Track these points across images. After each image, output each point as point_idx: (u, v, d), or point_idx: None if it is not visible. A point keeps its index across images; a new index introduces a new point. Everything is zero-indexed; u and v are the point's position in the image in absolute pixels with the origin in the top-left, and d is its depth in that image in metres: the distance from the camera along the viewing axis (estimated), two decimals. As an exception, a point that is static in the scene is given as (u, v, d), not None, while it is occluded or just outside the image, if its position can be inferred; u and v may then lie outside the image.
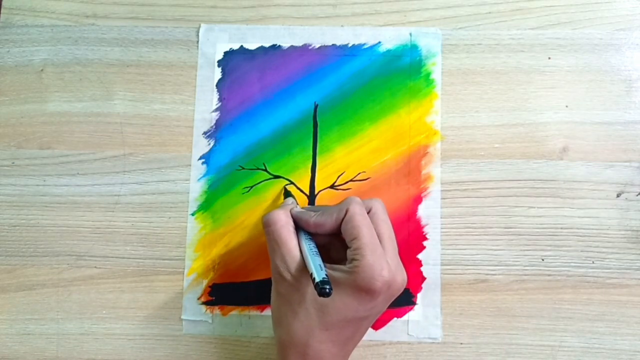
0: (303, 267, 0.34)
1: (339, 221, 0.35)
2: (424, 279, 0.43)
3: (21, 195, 0.45)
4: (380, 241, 0.35)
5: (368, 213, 0.36)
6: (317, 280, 0.31)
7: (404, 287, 0.35)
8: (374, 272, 0.32)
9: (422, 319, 0.42)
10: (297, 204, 0.41)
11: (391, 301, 0.35)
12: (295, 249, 0.35)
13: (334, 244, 0.37)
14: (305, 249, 0.35)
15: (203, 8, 0.47)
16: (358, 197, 0.36)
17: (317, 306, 0.34)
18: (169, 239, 0.44)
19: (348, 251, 0.34)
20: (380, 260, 0.33)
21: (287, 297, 0.35)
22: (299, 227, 0.37)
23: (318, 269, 0.32)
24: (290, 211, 0.37)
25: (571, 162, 0.44)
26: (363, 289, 0.33)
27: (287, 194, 0.43)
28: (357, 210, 0.35)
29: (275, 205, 0.44)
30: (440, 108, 0.45)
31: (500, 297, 0.42)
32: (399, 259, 0.36)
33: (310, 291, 0.34)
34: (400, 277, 0.34)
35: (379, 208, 0.37)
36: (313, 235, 0.36)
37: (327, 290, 0.31)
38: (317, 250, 0.35)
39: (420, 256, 0.43)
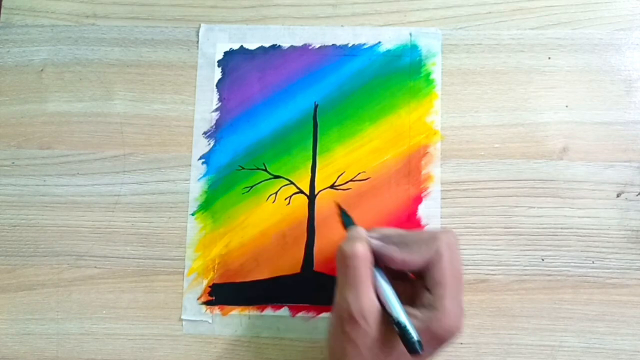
0: (378, 311, 0.32)
1: (425, 261, 0.33)
2: (424, 279, 0.43)
3: (21, 195, 0.45)
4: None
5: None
6: (412, 340, 0.31)
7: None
8: (452, 323, 0.32)
9: (422, 319, 0.42)
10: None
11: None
12: (372, 290, 0.33)
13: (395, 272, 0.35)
14: (387, 294, 0.33)
15: (203, 8, 0.47)
16: (452, 232, 0.34)
17: (386, 350, 0.32)
18: (169, 239, 0.44)
19: (427, 295, 0.33)
20: (458, 309, 0.32)
21: (354, 338, 0.33)
22: (375, 260, 0.34)
23: (412, 326, 0.31)
24: (371, 243, 0.35)
25: (571, 162, 0.44)
26: (438, 338, 0.32)
27: (347, 220, 0.39)
28: (447, 256, 0.33)
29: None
30: (440, 108, 0.45)
31: (500, 297, 0.42)
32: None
33: (384, 340, 0.32)
34: (463, 317, 0.33)
35: (455, 245, 0.34)
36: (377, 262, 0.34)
37: (420, 351, 0.30)
38: (397, 295, 0.33)
39: (420, 256, 0.43)
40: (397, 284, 0.34)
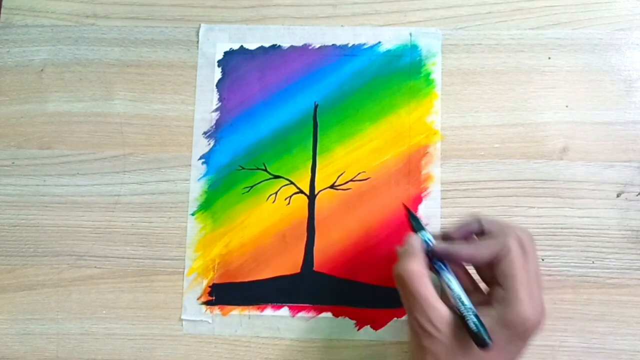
0: (449, 320, 0.33)
1: (493, 255, 0.33)
2: (424, 279, 0.43)
3: (21, 195, 0.45)
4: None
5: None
6: (481, 336, 0.31)
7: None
8: (531, 317, 0.31)
9: (422, 319, 0.42)
10: (429, 235, 0.37)
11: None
12: (438, 302, 0.33)
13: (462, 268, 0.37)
14: (451, 293, 0.33)
15: (203, 8, 0.47)
16: (525, 230, 0.35)
17: (467, 353, 0.32)
18: (169, 239, 0.44)
19: (499, 290, 0.33)
20: (536, 303, 0.32)
21: (432, 349, 0.33)
22: (440, 259, 0.35)
23: (477, 318, 0.31)
24: (434, 248, 0.35)
25: (571, 162, 0.44)
26: (516, 331, 0.32)
27: (416, 224, 0.38)
28: (516, 249, 0.33)
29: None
30: (440, 108, 0.45)
31: (500, 297, 0.42)
32: (541, 292, 0.34)
33: (460, 344, 0.32)
34: (545, 313, 0.33)
35: (528, 242, 0.34)
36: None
37: (490, 344, 0.30)
38: (465, 294, 0.33)
39: (420, 256, 0.43)
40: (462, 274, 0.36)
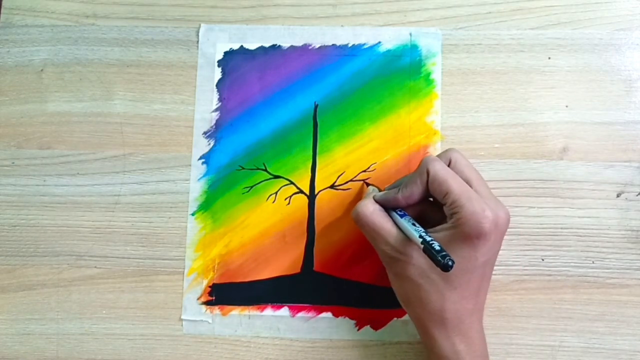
0: (409, 241, 0.35)
1: (424, 185, 0.36)
2: (424, 279, 0.43)
3: (21, 195, 0.45)
4: (470, 186, 0.35)
5: (449, 165, 0.36)
6: (436, 259, 0.31)
7: (509, 219, 0.35)
8: (477, 216, 0.33)
9: (422, 319, 0.42)
10: (378, 189, 0.42)
11: (503, 237, 0.35)
12: (394, 228, 0.36)
13: (426, 210, 0.38)
14: (405, 226, 0.35)
15: (203, 8, 0.47)
16: (432, 155, 0.37)
17: (438, 270, 0.34)
18: (169, 239, 0.44)
19: (445, 208, 0.35)
20: (479, 203, 0.33)
21: (405, 274, 0.36)
22: (389, 208, 0.37)
23: (433, 249, 0.32)
24: (374, 197, 0.38)
25: (571, 162, 0.44)
26: (474, 236, 0.33)
27: (368, 185, 0.44)
28: (437, 167, 0.35)
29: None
30: (440, 108, 0.45)
31: (500, 297, 0.42)
32: (494, 196, 0.36)
33: (428, 262, 0.34)
34: (502, 212, 0.35)
35: (458, 156, 0.37)
36: (405, 210, 0.37)
37: (450, 263, 0.30)
38: (416, 223, 0.35)
39: (420, 256, 0.43)
40: (430, 215, 0.38)
